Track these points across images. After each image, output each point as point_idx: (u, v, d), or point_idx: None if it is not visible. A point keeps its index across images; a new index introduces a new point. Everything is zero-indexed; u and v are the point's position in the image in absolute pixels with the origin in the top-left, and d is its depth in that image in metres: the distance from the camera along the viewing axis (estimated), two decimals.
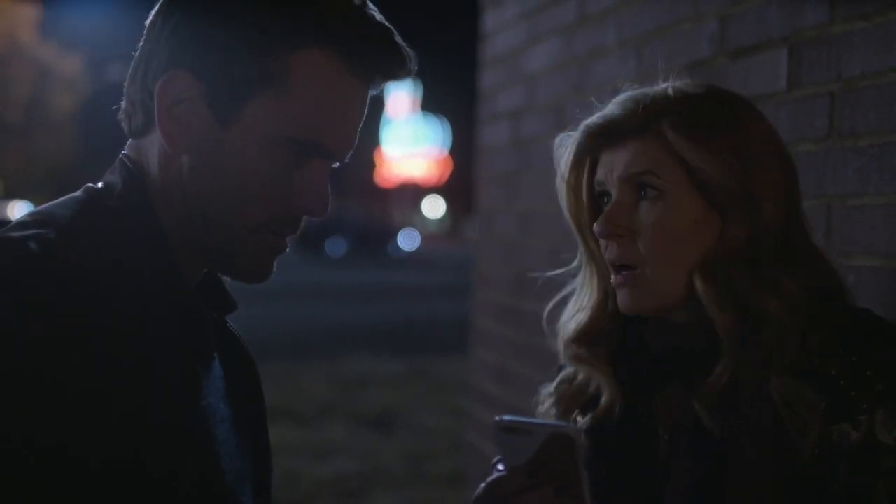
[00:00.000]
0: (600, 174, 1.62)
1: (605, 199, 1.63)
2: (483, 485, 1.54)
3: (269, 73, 1.32)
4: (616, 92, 1.68)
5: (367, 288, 23.17)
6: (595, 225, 1.60)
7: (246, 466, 1.45)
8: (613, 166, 1.60)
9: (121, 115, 1.43)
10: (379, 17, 1.38)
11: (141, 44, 1.39)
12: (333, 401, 9.70)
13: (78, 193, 1.39)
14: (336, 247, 36.61)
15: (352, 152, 1.43)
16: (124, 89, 1.41)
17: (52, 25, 34.55)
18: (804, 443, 1.47)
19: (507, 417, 1.50)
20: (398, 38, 1.38)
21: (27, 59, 35.27)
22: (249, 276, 1.42)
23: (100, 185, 1.40)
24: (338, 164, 1.43)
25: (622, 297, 1.61)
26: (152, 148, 1.39)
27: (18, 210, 19.35)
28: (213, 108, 1.33)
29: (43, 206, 1.36)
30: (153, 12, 1.39)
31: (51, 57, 35.58)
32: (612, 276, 1.62)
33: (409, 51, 1.40)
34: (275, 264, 1.42)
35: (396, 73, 1.41)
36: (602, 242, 1.62)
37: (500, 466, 1.54)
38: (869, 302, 1.97)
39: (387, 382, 10.85)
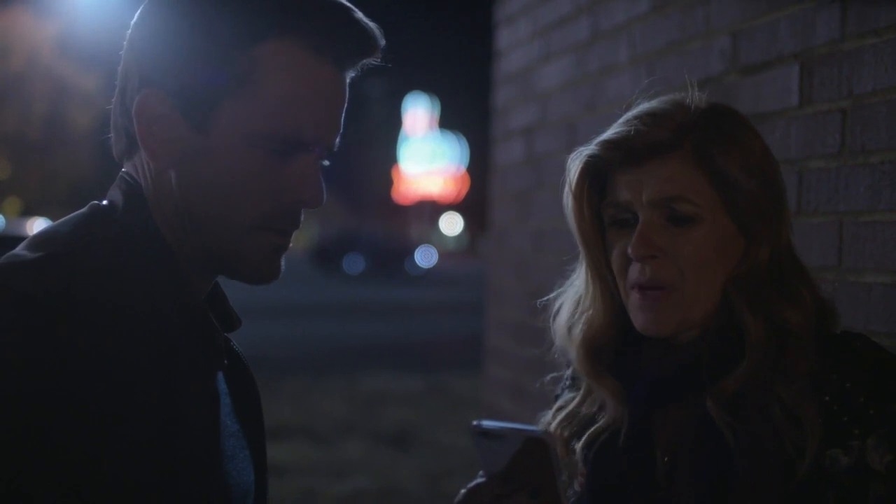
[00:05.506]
0: (625, 195, 1.57)
1: (625, 218, 1.59)
2: (463, 491, 1.55)
3: (236, 72, 1.34)
4: (628, 108, 1.66)
5: (384, 305, 23.19)
6: (630, 248, 1.56)
7: (250, 482, 1.46)
8: (642, 188, 1.56)
9: (111, 142, 1.45)
10: None
11: (119, 69, 1.42)
12: (351, 418, 9.69)
13: (83, 210, 1.40)
14: (354, 264, 36.57)
15: (338, 139, 1.42)
16: (111, 116, 1.43)
17: (70, 41, 34.75)
18: (801, 459, 1.46)
19: (484, 423, 1.50)
20: (359, 15, 1.38)
21: (46, 76, 35.49)
22: (258, 277, 1.41)
23: (104, 202, 1.42)
24: (326, 151, 1.42)
25: (644, 318, 1.57)
26: (141, 168, 1.41)
27: (38, 227, 19.39)
28: (189, 118, 1.35)
29: (50, 226, 1.38)
30: (125, 39, 1.41)
31: (70, 73, 35.78)
32: (632, 295, 1.58)
33: (372, 25, 1.39)
34: (283, 263, 1.42)
35: (364, 51, 1.40)
36: (621, 262, 1.59)
37: (482, 472, 1.54)
38: (881, 318, 1.96)
39: (404, 400, 10.84)
